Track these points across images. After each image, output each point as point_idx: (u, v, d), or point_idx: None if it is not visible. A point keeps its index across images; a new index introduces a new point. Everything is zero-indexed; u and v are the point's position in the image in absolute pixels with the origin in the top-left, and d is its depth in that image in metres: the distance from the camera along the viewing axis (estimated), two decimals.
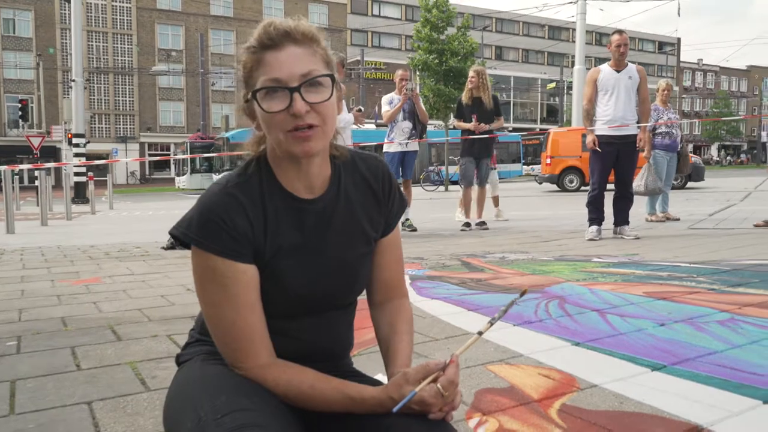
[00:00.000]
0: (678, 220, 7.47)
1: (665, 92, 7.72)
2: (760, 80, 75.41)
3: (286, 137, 1.03)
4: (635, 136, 5.87)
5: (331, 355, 1.23)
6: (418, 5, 36.67)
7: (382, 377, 1.26)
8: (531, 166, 32.67)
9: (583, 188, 17.88)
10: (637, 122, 5.92)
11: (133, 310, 2.94)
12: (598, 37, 56.37)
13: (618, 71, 5.87)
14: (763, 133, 56.16)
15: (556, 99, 47.45)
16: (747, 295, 3.01)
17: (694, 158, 18.63)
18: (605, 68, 5.97)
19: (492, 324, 1.10)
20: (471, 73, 7.05)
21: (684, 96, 66.35)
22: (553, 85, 42.36)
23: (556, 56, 55.54)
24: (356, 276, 1.20)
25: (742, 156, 69.39)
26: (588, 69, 23.70)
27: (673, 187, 16.68)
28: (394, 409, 1.00)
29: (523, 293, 1.15)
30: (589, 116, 5.96)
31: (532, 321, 2.55)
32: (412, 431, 1.00)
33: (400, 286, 1.28)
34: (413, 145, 7.09)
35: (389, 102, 7.17)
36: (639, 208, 6.58)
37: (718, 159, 65.80)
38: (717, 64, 72.85)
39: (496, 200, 8.46)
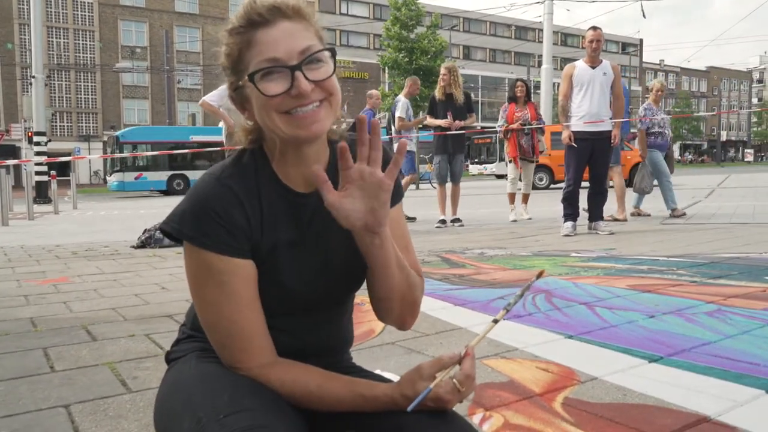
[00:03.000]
0: (649, 215, 7.57)
1: (659, 92, 7.77)
2: (719, 81, 77.65)
3: (290, 121, 0.94)
4: (610, 132, 5.93)
5: (332, 351, 1.17)
6: (386, 4, 36.64)
7: (381, 373, 1.20)
8: (484, 165, 31.04)
9: (552, 186, 18.06)
10: (612, 118, 5.98)
11: (107, 310, 2.81)
12: (563, 37, 57.28)
13: (593, 67, 5.90)
14: (723, 133, 57.75)
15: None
16: (730, 287, 3.02)
17: None
18: (580, 64, 6.01)
19: (507, 310, 1.04)
20: (443, 70, 7.00)
21: (647, 96, 67.78)
22: None
23: (523, 56, 56.20)
24: (356, 271, 1.11)
25: (704, 155, 71.23)
26: (555, 69, 24.03)
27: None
28: (409, 408, 0.93)
29: (539, 275, 1.09)
30: (565, 112, 5.99)
31: (521, 315, 2.52)
32: (428, 430, 0.95)
33: (412, 261, 1.13)
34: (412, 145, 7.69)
35: (406, 109, 7.63)
36: (611, 204, 6.62)
37: (679, 158, 67.45)
38: (678, 65, 74.72)
39: (525, 198, 7.82)
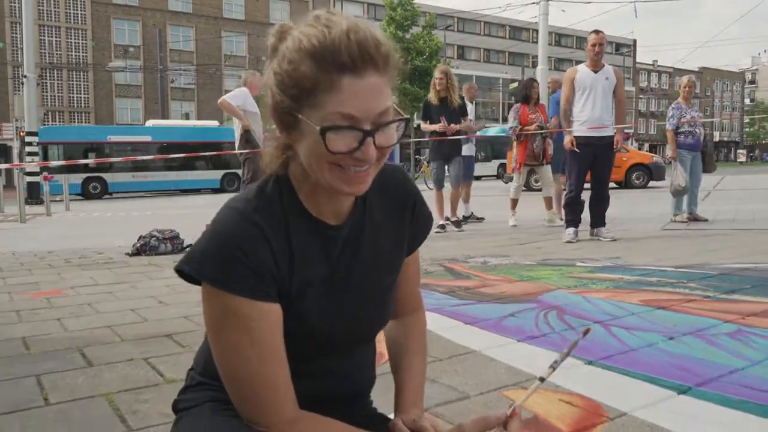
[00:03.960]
0: (707, 220, 7.15)
1: (687, 89, 7.36)
2: (712, 81, 77.98)
3: (339, 175, 0.85)
4: (612, 137, 5.85)
5: (354, 395, 1.08)
6: (381, 4, 36.51)
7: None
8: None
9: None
10: (614, 123, 5.90)
11: (102, 328, 2.70)
12: (557, 37, 57.32)
13: (595, 71, 5.82)
14: (716, 133, 57.95)
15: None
16: (745, 303, 2.94)
17: (655, 158, 19.02)
18: (582, 68, 5.92)
19: (554, 369, 0.96)
20: (438, 74, 6.84)
21: (641, 96, 67.98)
22: (515, 84, 42.78)
23: (517, 56, 56.18)
24: (384, 306, 1.06)
25: None
26: (549, 69, 24.04)
27: (635, 186, 17.04)
28: None
29: (586, 332, 1.01)
30: (567, 116, 5.91)
31: (535, 335, 2.42)
32: None
33: (416, 298, 1.16)
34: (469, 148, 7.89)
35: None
36: (617, 208, 6.51)
37: (670, 160, 67.67)
38: (671, 66, 74.95)
39: (548, 202, 7.51)
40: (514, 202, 7.60)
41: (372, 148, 0.83)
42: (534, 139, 7.30)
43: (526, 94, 7.54)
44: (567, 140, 5.84)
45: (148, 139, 23.95)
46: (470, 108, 7.74)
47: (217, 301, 0.86)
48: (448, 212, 7.09)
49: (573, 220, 5.87)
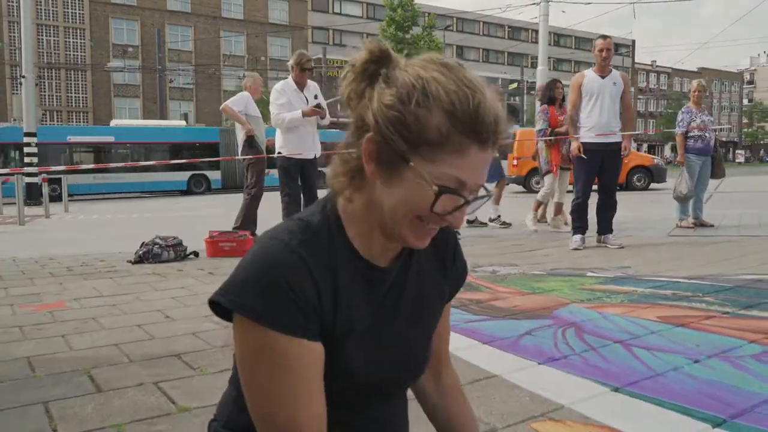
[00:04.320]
0: (713, 226, 7.09)
1: (697, 93, 7.24)
2: (710, 82, 77.99)
3: (415, 227, 0.82)
4: (619, 143, 5.79)
5: None
6: (380, 3, 36.47)
7: None
8: None
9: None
10: (621, 129, 5.84)
11: (109, 346, 2.63)
12: (556, 38, 57.27)
13: (603, 77, 5.76)
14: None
15: (517, 98, 47.95)
16: (765, 320, 2.88)
17: (656, 160, 18.99)
18: (590, 74, 5.86)
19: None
20: None
21: (639, 97, 67.97)
22: (515, 85, 42.83)
23: (516, 56, 56.17)
24: (425, 354, 1.02)
25: None
26: (549, 70, 24.00)
27: (636, 189, 16.99)
28: None
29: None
30: (574, 122, 5.85)
31: (556, 357, 2.36)
32: None
33: (447, 352, 1.13)
34: None
35: None
36: (620, 211, 6.41)
37: (670, 159, 67.78)
38: (670, 66, 74.98)
39: (559, 208, 7.37)
40: (540, 205, 7.47)
41: (464, 216, 0.82)
42: (564, 141, 7.11)
43: (550, 95, 7.41)
44: (574, 146, 5.78)
45: (110, 139, 23.39)
46: None
47: (254, 336, 0.80)
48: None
49: (580, 227, 5.81)
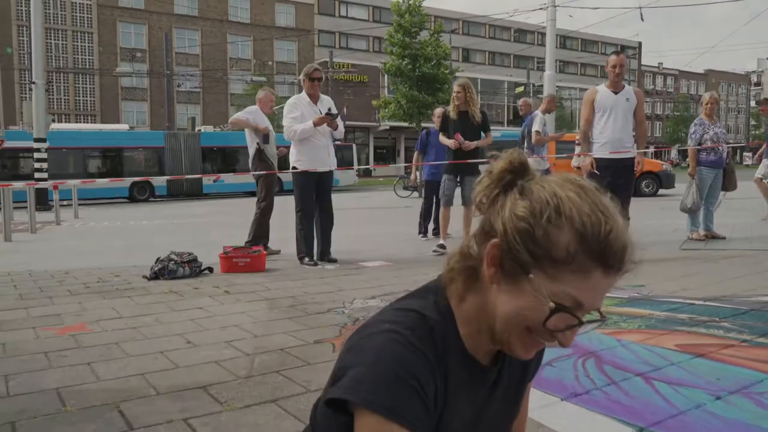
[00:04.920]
0: (724, 238, 7.12)
1: (709, 105, 7.21)
2: (717, 84, 77.73)
3: (524, 339, 0.84)
4: (632, 159, 5.81)
5: None
6: (386, 6, 36.47)
7: None
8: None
9: None
10: (635, 144, 5.86)
11: (136, 376, 2.67)
12: (562, 40, 57.12)
13: (615, 92, 5.79)
14: None
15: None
16: None
17: (664, 166, 18.92)
18: (602, 89, 5.89)
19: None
20: (456, 88, 6.63)
21: (647, 99, 67.81)
22: (521, 88, 42.76)
23: (522, 59, 56.12)
24: None
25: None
26: (556, 73, 23.86)
27: (644, 195, 16.96)
28: None
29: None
30: (587, 138, 5.87)
31: (578, 392, 2.38)
32: None
33: (524, 428, 1.15)
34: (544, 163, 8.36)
35: (542, 124, 8.13)
36: (636, 221, 6.41)
37: (678, 161, 67.52)
38: (676, 68, 74.75)
39: None
40: None
41: (575, 336, 0.83)
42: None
43: None
44: (587, 162, 5.81)
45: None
46: (541, 119, 8.13)
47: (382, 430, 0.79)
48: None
49: None
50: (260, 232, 6.59)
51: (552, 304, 0.79)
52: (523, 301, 0.81)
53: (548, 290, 0.79)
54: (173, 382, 2.60)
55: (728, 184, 7.51)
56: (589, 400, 2.31)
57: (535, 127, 7.96)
